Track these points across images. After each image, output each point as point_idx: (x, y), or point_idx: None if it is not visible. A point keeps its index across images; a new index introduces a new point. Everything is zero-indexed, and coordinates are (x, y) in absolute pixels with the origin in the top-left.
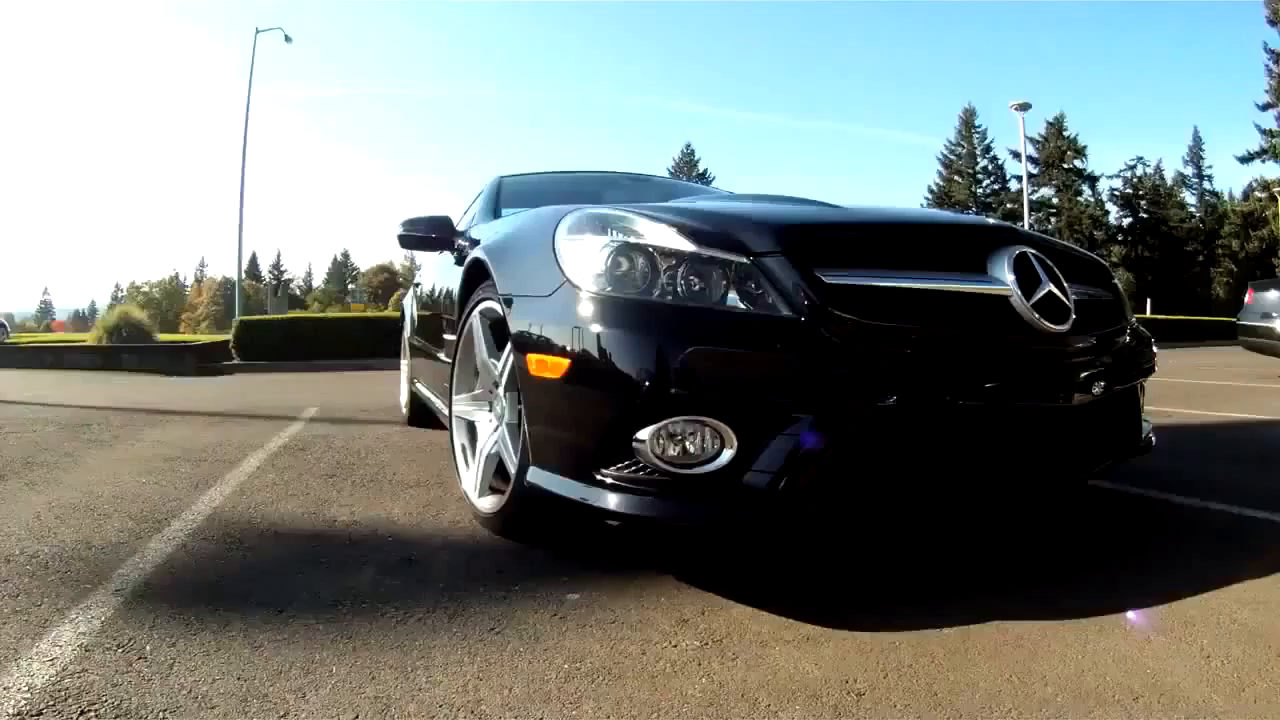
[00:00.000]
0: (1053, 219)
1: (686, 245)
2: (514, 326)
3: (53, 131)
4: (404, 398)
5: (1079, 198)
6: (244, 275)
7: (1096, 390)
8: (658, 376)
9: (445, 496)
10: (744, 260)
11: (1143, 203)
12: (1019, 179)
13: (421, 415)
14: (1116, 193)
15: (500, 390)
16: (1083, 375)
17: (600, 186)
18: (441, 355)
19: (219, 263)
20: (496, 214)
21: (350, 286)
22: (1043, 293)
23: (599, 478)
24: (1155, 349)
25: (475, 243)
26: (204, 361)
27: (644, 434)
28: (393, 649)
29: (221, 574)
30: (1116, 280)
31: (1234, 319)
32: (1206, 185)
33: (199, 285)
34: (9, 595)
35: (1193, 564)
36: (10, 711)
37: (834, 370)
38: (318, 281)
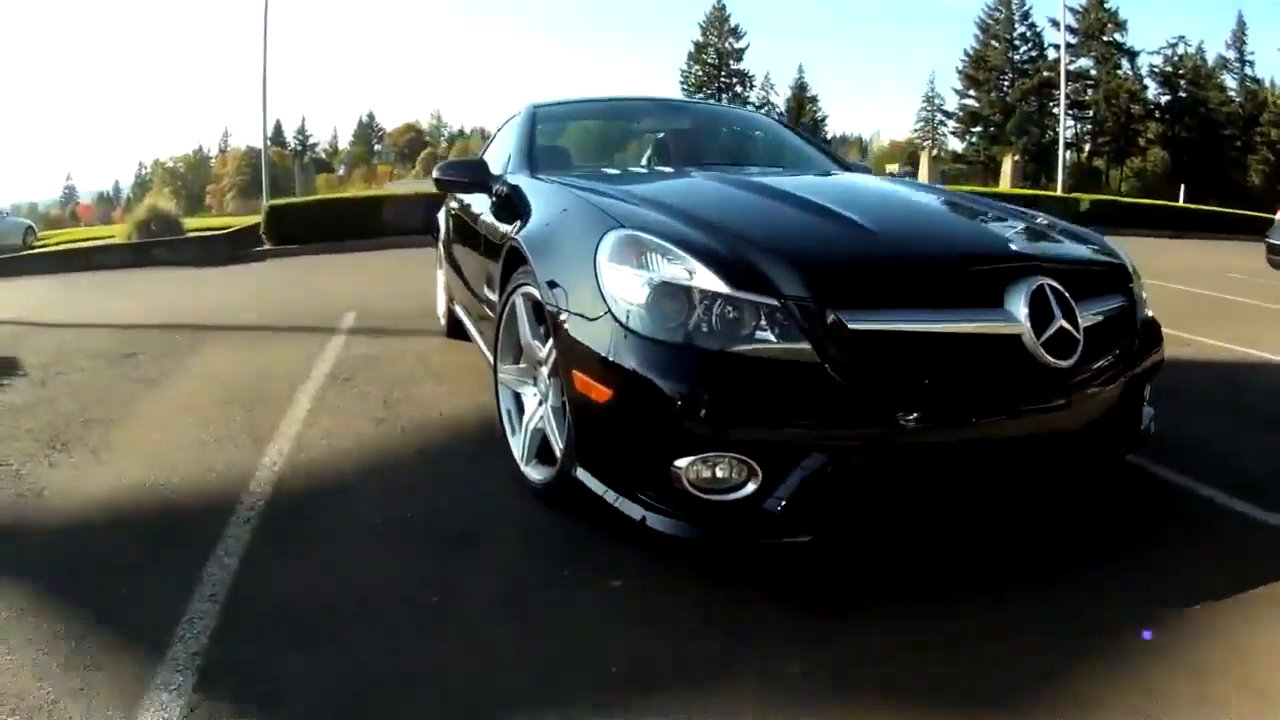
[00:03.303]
0: (1090, 91)
1: (721, 286)
2: (560, 341)
3: (65, 12)
4: (441, 308)
5: (1118, 71)
6: (269, 143)
7: (1098, 408)
8: (694, 416)
9: (492, 446)
10: (774, 303)
11: (1182, 82)
12: (1056, 48)
13: (459, 328)
14: (1156, 69)
15: (544, 370)
16: (1087, 401)
17: (637, 117)
18: (485, 290)
19: (243, 132)
20: (532, 160)
21: (376, 148)
22: (1053, 329)
23: (639, 496)
24: (1162, 335)
25: (513, 189)
26: (236, 249)
27: (680, 463)
28: (463, 639)
29: (301, 568)
30: (1135, 284)
31: (1265, 214)
32: (1248, 71)
33: (224, 156)
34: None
35: (1180, 565)
36: None
37: (851, 411)
38: (343, 144)
